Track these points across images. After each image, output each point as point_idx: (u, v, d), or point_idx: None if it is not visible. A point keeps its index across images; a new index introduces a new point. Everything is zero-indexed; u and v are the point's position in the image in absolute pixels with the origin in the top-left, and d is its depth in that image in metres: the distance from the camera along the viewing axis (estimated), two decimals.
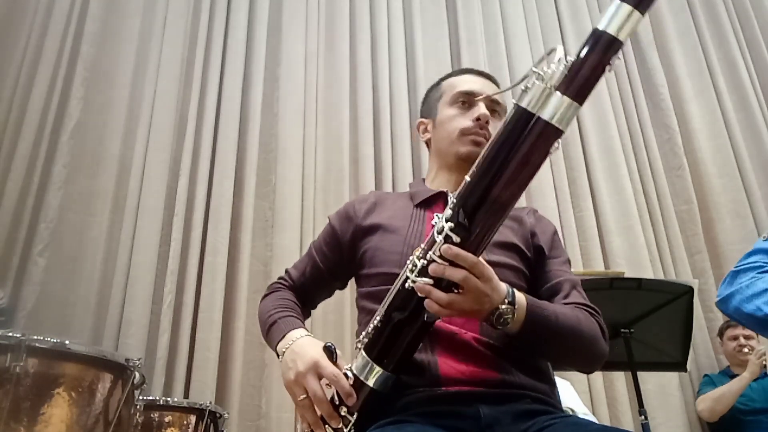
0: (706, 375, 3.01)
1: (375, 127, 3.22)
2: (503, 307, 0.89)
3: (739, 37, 3.93)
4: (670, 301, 2.12)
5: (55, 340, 1.33)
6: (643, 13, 0.81)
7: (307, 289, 1.24)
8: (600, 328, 1.03)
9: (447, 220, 0.86)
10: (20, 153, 2.62)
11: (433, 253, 0.86)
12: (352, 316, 2.73)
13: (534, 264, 1.13)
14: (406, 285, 0.89)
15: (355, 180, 3.08)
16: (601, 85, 0.91)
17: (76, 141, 2.76)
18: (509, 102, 1.22)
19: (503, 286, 0.91)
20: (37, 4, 2.93)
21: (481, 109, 1.17)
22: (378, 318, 0.92)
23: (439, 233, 0.86)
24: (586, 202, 3.34)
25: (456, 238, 0.85)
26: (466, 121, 1.17)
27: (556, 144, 0.84)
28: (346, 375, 0.92)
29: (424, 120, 1.31)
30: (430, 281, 0.86)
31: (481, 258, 0.87)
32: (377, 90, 3.31)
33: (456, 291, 0.86)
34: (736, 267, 1.41)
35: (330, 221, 1.25)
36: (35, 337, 1.30)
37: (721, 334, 3.02)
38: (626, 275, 2.40)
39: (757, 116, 3.65)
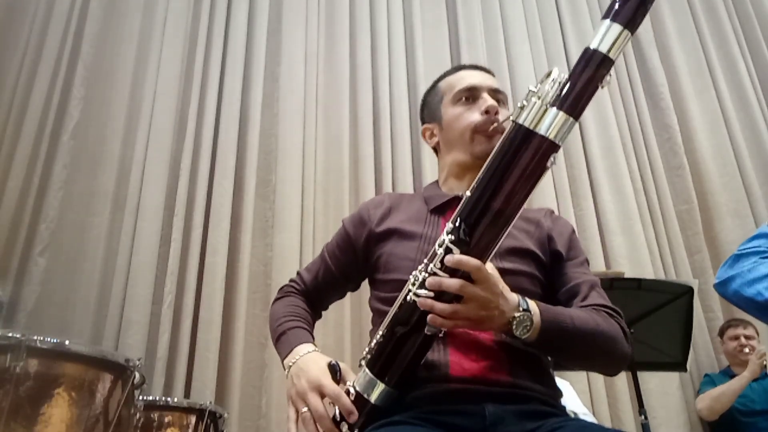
0: (706, 375, 3.01)
1: (375, 127, 3.22)
2: (518, 315, 0.88)
3: (739, 36, 3.93)
4: (670, 301, 2.12)
5: (55, 340, 1.32)
6: (632, 32, 0.85)
7: (319, 292, 1.24)
8: (621, 329, 1.02)
9: (448, 233, 0.88)
10: (20, 153, 2.62)
11: (434, 266, 0.87)
12: (352, 316, 2.73)
13: (551, 268, 1.11)
14: (408, 298, 0.89)
15: (355, 180, 3.08)
16: None
17: (77, 141, 2.77)
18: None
19: (514, 295, 0.91)
20: (37, 4, 2.93)
21: (488, 100, 1.16)
22: (381, 333, 0.92)
23: (440, 246, 0.88)
24: (586, 201, 3.34)
25: (456, 250, 0.86)
26: (475, 116, 1.16)
27: (552, 158, 0.86)
28: (348, 392, 0.92)
29: (428, 125, 1.28)
30: (431, 294, 0.86)
31: (486, 265, 0.87)
32: (377, 90, 3.31)
33: (458, 302, 0.86)
34: (739, 250, 1.38)
35: (344, 225, 1.23)
36: (35, 337, 1.29)
37: (721, 333, 3.01)
38: (626, 275, 2.40)
39: (757, 116, 3.65)
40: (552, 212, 1.23)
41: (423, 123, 1.31)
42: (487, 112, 1.14)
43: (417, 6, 3.60)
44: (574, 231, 1.20)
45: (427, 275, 0.88)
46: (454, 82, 1.23)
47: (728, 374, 2.91)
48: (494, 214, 0.86)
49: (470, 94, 1.19)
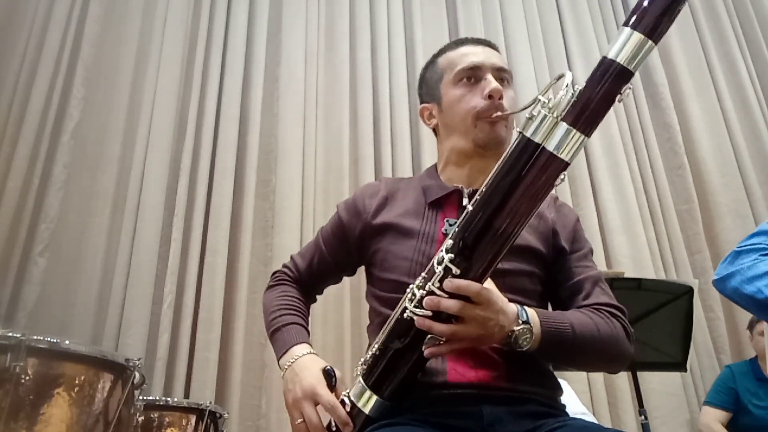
0: (727, 366, 2.87)
1: (375, 127, 3.21)
2: (518, 328, 0.87)
3: (739, 36, 3.93)
4: (671, 301, 2.12)
5: (55, 340, 1.32)
6: (656, 42, 0.77)
7: (314, 279, 1.22)
8: (623, 329, 1.00)
9: (447, 251, 0.84)
10: (20, 153, 2.62)
11: (432, 284, 0.85)
12: (352, 316, 2.72)
13: (553, 263, 1.07)
14: (405, 315, 0.87)
15: (355, 180, 3.07)
16: None
17: (77, 141, 2.77)
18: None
19: (513, 307, 0.89)
20: (38, 5, 2.93)
21: (492, 83, 1.06)
22: (376, 346, 0.91)
23: (439, 264, 0.85)
24: (587, 201, 3.33)
25: (456, 270, 0.83)
26: (477, 100, 1.06)
27: (561, 176, 0.81)
28: (343, 402, 0.92)
29: (427, 105, 1.18)
30: (429, 313, 0.84)
31: (484, 285, 0.85)
32: (377, 90, 3.31)
33: (456, 321, 0.85)
34: (739, 247, 1.36)
35: (338, 210, 1.20)
36: (35, 337, 1.29)
37: (750, 327, 2.88)
38: (627, 274, 2.40)
39: (757, 116, 3.64)
40: (556, 199, 1.16)
41: (421, 102, 1.21)
42: (490, 96, 1.05)
43: (417, 6, 3.60)
44: (578, 220, 1.15)
45: (424, 293, 0.85)
46: (455, 60, 1.13)
47: (752, 367, 2.76)
48: (496, 232, 0.82)
49: (473, 74, 1.09)
